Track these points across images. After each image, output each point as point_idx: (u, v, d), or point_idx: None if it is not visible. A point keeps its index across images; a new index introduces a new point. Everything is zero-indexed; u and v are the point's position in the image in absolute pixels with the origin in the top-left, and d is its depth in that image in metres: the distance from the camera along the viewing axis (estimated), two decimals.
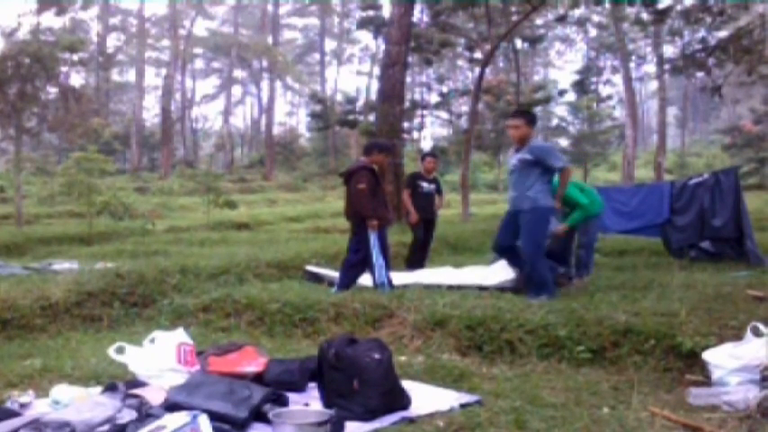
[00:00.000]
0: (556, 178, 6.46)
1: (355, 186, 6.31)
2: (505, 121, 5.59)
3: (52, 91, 16.90)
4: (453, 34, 22.77)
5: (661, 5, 17.21)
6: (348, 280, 6.41)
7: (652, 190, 9.81)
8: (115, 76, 47.76)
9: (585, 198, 6.95)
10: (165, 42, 45.38)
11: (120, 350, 3.90)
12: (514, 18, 19.16)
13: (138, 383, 3.62)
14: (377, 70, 24.20)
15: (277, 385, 3.53)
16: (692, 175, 10.74)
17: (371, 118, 23.51)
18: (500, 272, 6.87)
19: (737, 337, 3.99)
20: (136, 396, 3.27)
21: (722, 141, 36.55)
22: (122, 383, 3.41)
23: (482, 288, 6.16)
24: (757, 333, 3.75)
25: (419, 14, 21.06)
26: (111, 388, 3.40)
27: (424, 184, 8.63)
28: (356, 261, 6.42)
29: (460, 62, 38.60)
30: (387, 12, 20.63)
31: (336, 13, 50.20)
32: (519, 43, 25.87)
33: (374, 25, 25.93)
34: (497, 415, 3.18)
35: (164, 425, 2.77)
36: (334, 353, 3.42)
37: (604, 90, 37.66)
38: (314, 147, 44.62)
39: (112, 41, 45.54)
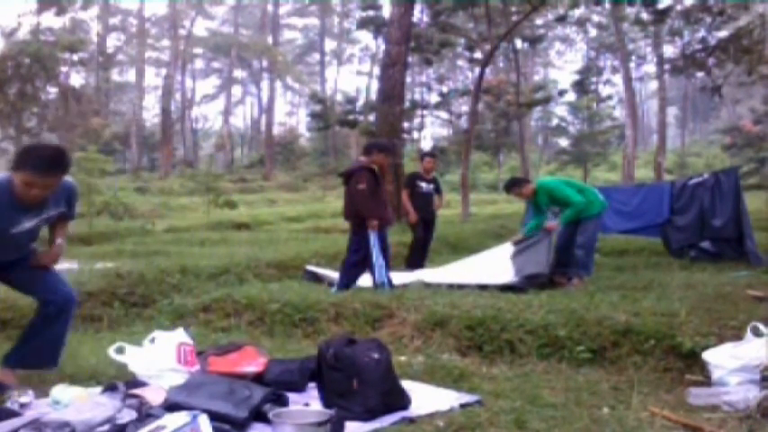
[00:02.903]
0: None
1: (355, 187, 6.30)
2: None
3: (52, 91, 16.93)
4: (453, 34, 22.78)
5: (661, 5, 17.23)
6: (348, 280, 6.41)
7: (652, 190, 9.83)
8: (115, 76, 47.72)
9: (581, 197, 6.91)
10: (165, 42, 45.44)
11: (120, 350, 3.90)
12: (514, 18, 19.19)
13: (138, 383, 3.62)
14: (377, 70, 24.21)
15: (277, 385, 3.53)
16: (692, 175, 10.75)
17: (371, 118, 23.53)
18: (502, 273, 6.88)
19: (737, 337, 3.99)
20: (136, 396, 3.27)
21: (722, 141, 36.58)
22: (122, 383, 3.40)
23: (482, 287, 6.17)
24: (757, 333, 3.75)
25: (419, 14, 21.08)
26: (111, 388, 3.40)
27: (423, 185, 8.64)
28: (356, 261, 6.42)
29: (460, 62, 38.64)
30: (387, 12, 20.64)
31: (336, 13, 50.21)
32: (519, 43, 25.90)
33: (374, 25, 25.94)
34: (497, 415, 3.18)
35: (164, 425, 2.76)
36: (332, 353, 3.42)
37: (604, 90, 37.74)
38: (314, 147, 44.64)
39: (112, 41, 45.56)
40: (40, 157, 3.32)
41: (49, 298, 3.73)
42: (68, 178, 3.62)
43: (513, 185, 7.53)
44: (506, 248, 7.52)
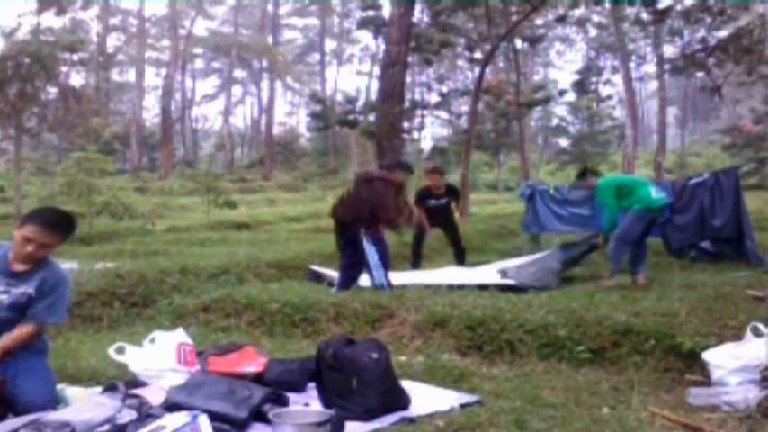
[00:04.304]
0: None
1: (377, 188, 6.40)
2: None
3: (52, 91, 16.90)
4: (453, 34, 22.78)
5: (661, 5, 17.21)
6: (347, 279, 6.42)
7: None
8: (115, 76, 47.72)
9: (611, 205, 6.83)
10: (165, 42, 45.38)
11: (120, 350, 3.90)
12: (514, 18, 19.17)
13: (138, 383, 3.62)
14: (377, 70, 24.23)
15: (277, 385, 3.53)
16: (691, 175, 10.74)
17: (371, 118, 23.53)
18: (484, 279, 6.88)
19: (737, 337, 3.99)
20: (136, 396, 3.27)
21: (722, 141, 36.56)
22: (122, 383, 3.40)
23: (482, 288, 6.17)
24: (757, 333, 3.75)
25: (419, 14, 21.08)
26: (111, 388, 3.40)
27: (432, 201, 8.70)
28: (353, 262, 6.45)
29: (460, 62, 38.58)
30: (387, 12, 20.65)
31: (336, 13, 50.19)
32: (519, 43, 25.89)
33: (374, 25, 25.95)
34: (497, 415, 3.18)
35: (164, 425, 2.77)
36: (331, 353, 3.42)
37: (604, 90, 37.80)
38: (314, 147, 44.62)
39: (112, 41, 45.53)
40: (49, 215, 3.38)
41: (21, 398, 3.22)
42: (62, 268, 3.58)
43: (582, 175, 7.55)
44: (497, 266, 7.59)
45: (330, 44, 54.07)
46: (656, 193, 7.06)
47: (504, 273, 7.23)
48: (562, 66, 51.90)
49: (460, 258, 8.79)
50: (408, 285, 6.31)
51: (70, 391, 3.38)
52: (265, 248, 9.27)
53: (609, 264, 6.96)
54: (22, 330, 3.30)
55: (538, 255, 7.91)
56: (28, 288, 3.32)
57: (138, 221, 14.33)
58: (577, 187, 8.98)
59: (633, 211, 6.80)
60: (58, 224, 3.35)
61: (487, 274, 7.24)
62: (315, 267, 7.67)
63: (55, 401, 3.29)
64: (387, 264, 6.44)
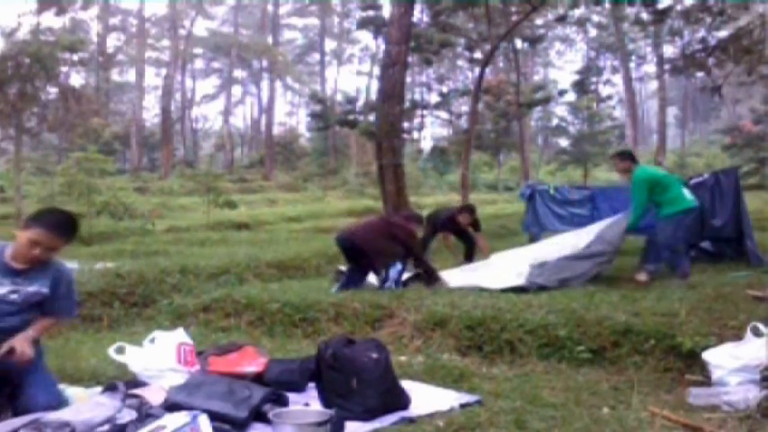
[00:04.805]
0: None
1: (408, 232, 6.59)
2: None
3: (52, 91, 16.91)
4: (453, 34, 22.76)
5: (661, 5, 17.19)
6: (349, 284, 6.44)
7: None
8: (115, 76, 47.67)
9: (641, 203, 6.63)
10: (165, 42, 45.38)
11: (120, 350, 3.90)
12: (514, 18, 19.15)
13: (138, 383, 3.62)
14: (377, 70, 24.20)
15: (277, 385, 3.53)
16: (692, 175, 10.72)
17: (371, 118, 23.53)
18: (511, 278, 6.79)
19: (737, 337, 4.00)
20: (136, 396, 3.27)
21: (722, 141, 36.51)
22: (122, 383, 3.40)
23: (482, 289, 6.16)
24: (757, 333, 3.75)
25: (419, 14, 21.04)
26: (111, 388, 3.40)
27: (453, 228, 8.85)
28: (359, 271, 6.51)
29: (460, 62, 38.58)
30: (387, 12, 20.63)
31: (336, 13, 50.19)
32: (519, 43, 25.86)
33: (374, 25, 25.92)
34: (497, 415, 3.18)
35: (164, 425, 2.77)
36: (331, 353, 3.43)
37: (604, 90, 37.59)
38: (314, 147, 44.59)
39: (112, 41, 45.49)
40: (55, 217, 3.35)
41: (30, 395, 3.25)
42: (66, 264, 3.59)
43: (619, 155, 7.27)
44: (518, 253, 7.52)
45: (330, 44, 54.09)
46: (688, 194, 6.94)
47: (540, 266, 7.00)
48: (562, 66, 51.89)
49: (470, 255, 8.84)
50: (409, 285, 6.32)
51: (70, 391, 3.38)
52: (265, 248, 9.27)
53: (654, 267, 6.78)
54: (44, 323, 3.39)
55: (602, 225, 7.44)
56: (41, 288, 3.33)
57: (138, 221, 14.33)
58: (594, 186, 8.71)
59: (667, 217, 6.61)
60: (63, 227, 3.33)
61: (514, 274, 6.99)
62: (341, 267, 7.61)
63: (57, 402, 3.28)
64: (403, 268, 6.55)
